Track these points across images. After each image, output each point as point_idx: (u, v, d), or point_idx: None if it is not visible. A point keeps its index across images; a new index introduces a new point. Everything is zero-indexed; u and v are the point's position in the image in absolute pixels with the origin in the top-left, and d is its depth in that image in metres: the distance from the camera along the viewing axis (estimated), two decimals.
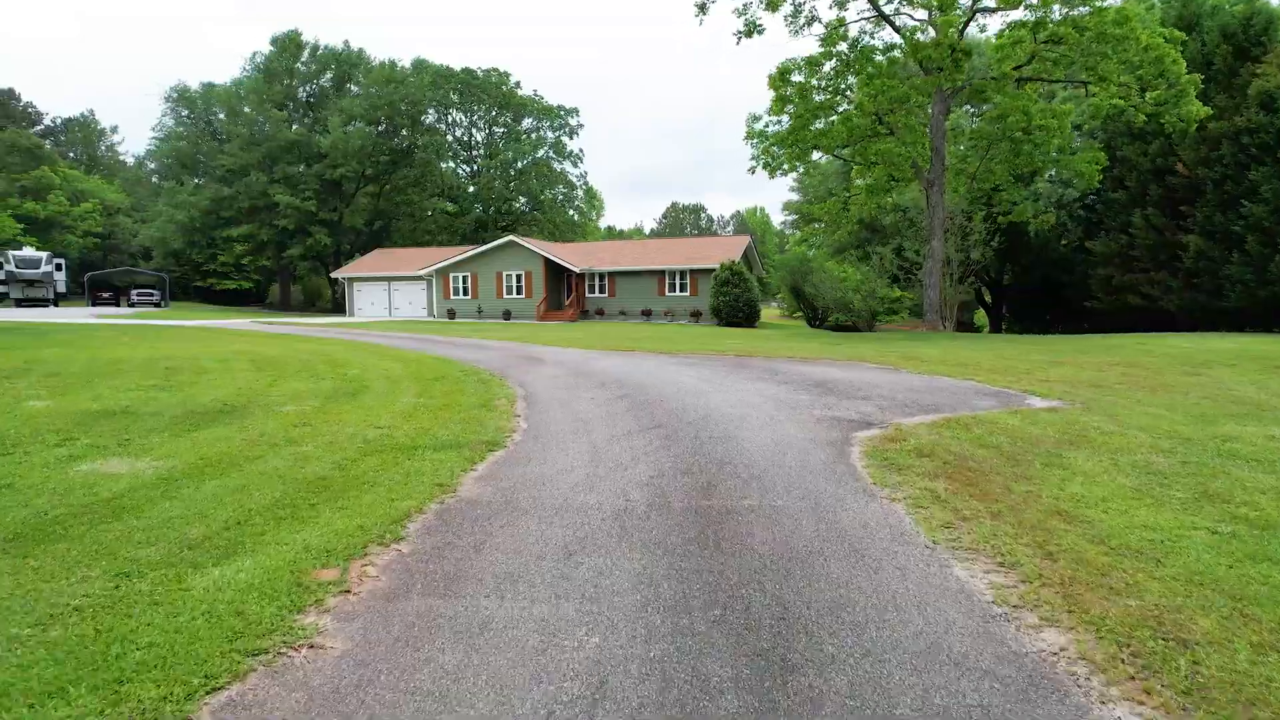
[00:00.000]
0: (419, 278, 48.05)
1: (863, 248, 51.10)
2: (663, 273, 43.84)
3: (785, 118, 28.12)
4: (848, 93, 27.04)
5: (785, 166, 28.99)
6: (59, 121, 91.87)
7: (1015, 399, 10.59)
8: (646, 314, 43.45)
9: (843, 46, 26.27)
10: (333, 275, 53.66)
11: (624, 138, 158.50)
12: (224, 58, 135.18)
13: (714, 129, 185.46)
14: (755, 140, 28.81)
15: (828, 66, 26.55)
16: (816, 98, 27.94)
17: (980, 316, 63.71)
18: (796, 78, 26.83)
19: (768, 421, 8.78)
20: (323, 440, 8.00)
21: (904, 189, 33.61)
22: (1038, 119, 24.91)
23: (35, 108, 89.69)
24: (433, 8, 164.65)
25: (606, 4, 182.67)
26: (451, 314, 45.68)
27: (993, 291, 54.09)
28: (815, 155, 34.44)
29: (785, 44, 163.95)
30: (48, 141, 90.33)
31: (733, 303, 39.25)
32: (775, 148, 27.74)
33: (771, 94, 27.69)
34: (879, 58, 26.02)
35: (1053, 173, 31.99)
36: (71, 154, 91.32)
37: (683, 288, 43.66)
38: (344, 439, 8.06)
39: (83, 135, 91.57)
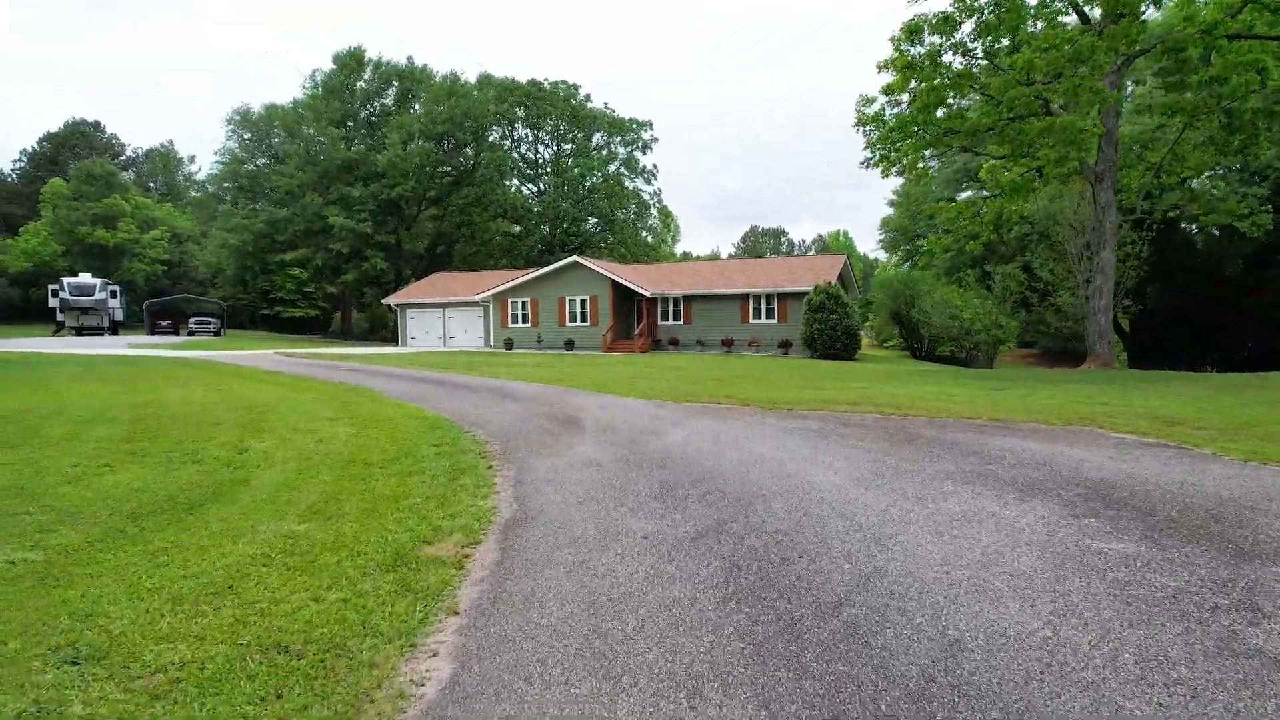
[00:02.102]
0: (475, 304, 43.57)
1: (979, 267, 44.14)
2: (746, 297, 38.02)
3: (905, 97, 22.11)
4: (993, 61, 20.67)
5: (906, 160, 22.87)
6: (140, 152, 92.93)
7: None
8: (727, 344, 37.64)
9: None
10: (384, 301, 49.79)
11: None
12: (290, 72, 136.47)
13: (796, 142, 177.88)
14: (869, 128, 22.73)
15: (966, 29, 20.39)
16: (938, 77, 21.66)
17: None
18: (917, 50, 20.79)
19: (1169, 706, 2.87)
20: None
21: (1039, 191, 26.65)
22: (1278, 77, 18.07)
23: (118, 139, 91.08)
24: (419, 7, 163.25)
25: (605, 4, 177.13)
26: (509, 344, 40.85)
27: (1132, 318, 45.97)
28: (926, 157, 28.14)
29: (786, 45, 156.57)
30: (130, 172, 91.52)
31: (829, 331, 33.19)
32: (895, 134, 21.58)
33: (893, 59, 21.63)
34: (1033, 14, 19.70)
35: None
36: (152, 184, 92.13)
37: (769, 314, 37.70)
38: None
39: (163, 165, 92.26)
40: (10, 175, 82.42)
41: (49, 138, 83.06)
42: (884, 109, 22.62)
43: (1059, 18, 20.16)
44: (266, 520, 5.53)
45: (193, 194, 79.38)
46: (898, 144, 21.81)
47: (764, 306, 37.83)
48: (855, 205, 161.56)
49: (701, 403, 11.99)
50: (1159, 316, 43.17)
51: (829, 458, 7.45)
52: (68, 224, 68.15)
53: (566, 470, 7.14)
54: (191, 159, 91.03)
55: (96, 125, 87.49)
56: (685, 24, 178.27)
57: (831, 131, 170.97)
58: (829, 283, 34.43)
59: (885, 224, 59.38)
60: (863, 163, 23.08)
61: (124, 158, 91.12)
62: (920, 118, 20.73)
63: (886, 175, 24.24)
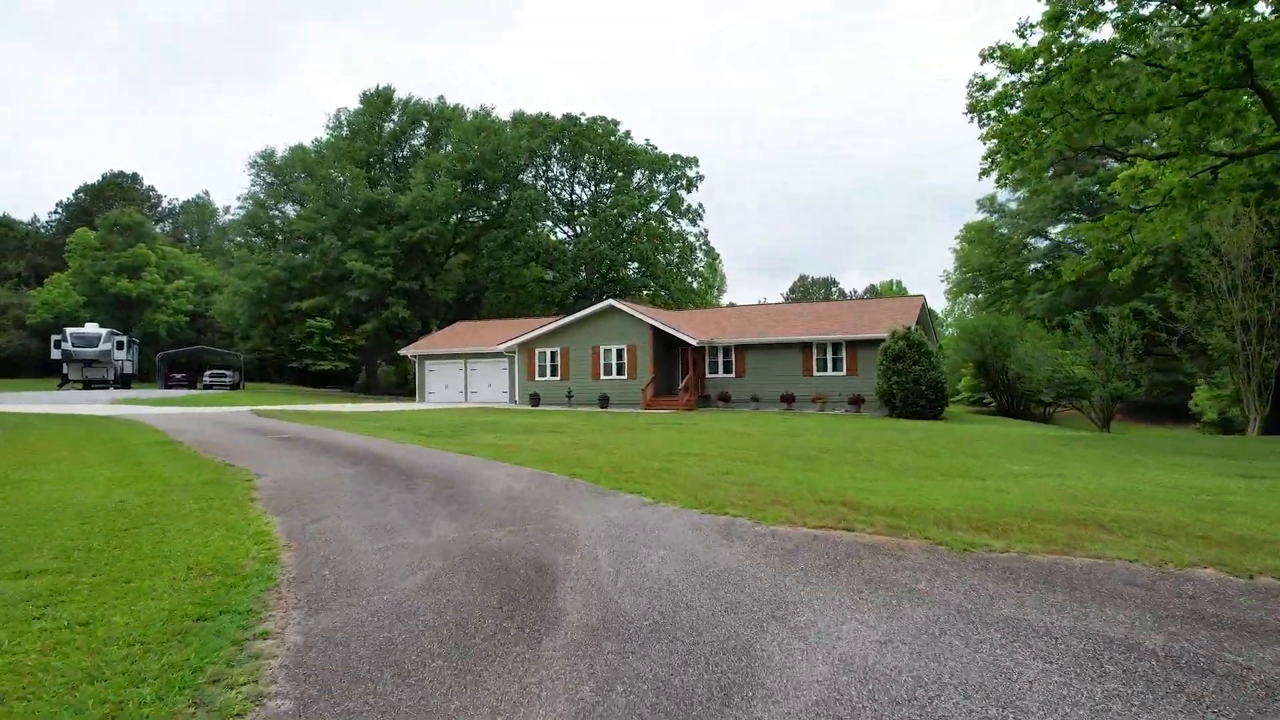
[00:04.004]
0: (499, 355, 38.48)
1: (1087, 309, 37.60)
2: (809, 345, 32.10)
3: (1017, 81, 16.50)
4: (1183, 6, 14.66)
5: (1033, 163, 17.00)
6: (176, 204, 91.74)
7: None
8: (787, 401, 31.68)
9: None
10: (400, 352, 45.05)
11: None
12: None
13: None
14: (986, 116, 17.05)
15: None
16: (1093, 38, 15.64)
17: (1200, 398, 43.25)
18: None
19: None
20: None
21: (1171, 214, 20.02)
22: None
23: (155, 191, 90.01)
24: (417, 7, 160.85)
25: (605, 4, 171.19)
26: (535, 399, 35.55)
27: None
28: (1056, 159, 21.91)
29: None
30: (166, 223, 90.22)
31: (911, 384, 27.23)
32: (1031, 119, 15.70)
33: (1000, 51, 16.19)
34: None
35: None
36: (187, 235, 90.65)
37: (837, 365, 31.68)
38: None
39: (198, 216, 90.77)
40: (45, 227, 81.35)
41: (85, 189, 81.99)
42: (1008, 91, 16.93)
43: None
44: None
45: (224, 244, 77.18)
46: (1033, 130, 15.99)
47: (830, 356, 31.88)
48: (891, 252, 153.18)
49: (804, 524, 6.23)
50: None
51: None
52: (91, 274, 65.80)
53: None
54: (226, 209, 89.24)
55: (134, 177, 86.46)
56: (685, 24, 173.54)
57: (836, 137, 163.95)
58: (908, 327, 28.57)
59: (964, 263, 52.90)
60: (981, 168, 17.33)
61: (160, 209, 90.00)
62: (1073, 92, 14.94)
63: (1004, 181, 18.55)
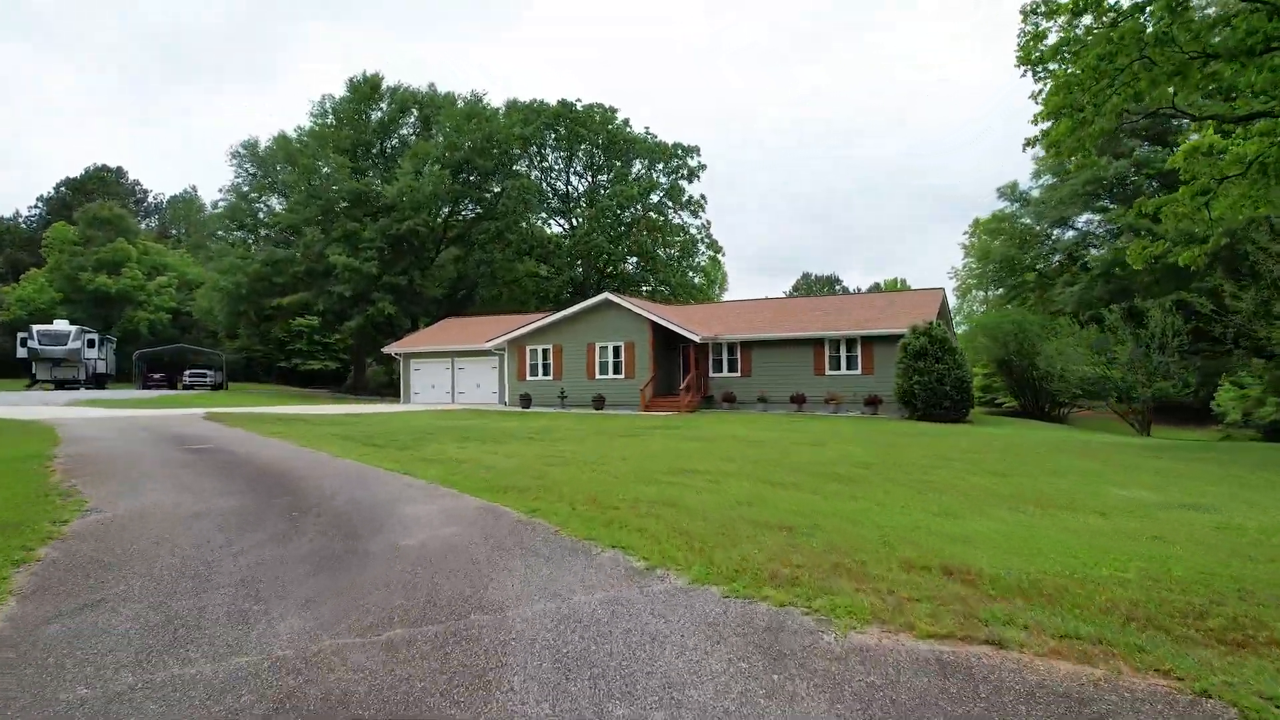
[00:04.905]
0: (489, 353, 35.80)
1: (1122, 302, 34.83)
2: (821, 342, 29.43)
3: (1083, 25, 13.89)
4: None
5: (1095, 123, 14.29)
6: (163, 199, 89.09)
7: None
8: (798, 401, 29.00)
9: None
10: (383, 350, 42.36)
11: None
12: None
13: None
14: (1043, 69, 14.28)
15: None
16: None
17: (1223, 398, 39.53)
18: None
19: None
20: None
21: (1253, 187, 17.26)
22: None
23: (141, 185, 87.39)
24: (418, 8, 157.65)
25: (605, 4, 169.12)
26: (526, 401, 32.87)
27: None
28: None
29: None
30: (153, 219, 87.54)
31: (934, 384, 24.78)
32: (1103, 67, 12.99)
33: None
34: None
35: None
36: (174, 230, 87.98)
37: (851, 363, 29.01)
38: None
39: (185, 211, 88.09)
40: (25, 222, 78.72)
41: (66, 183, 79.35)
42: (1069, 35, 14.23)
43: None
44: None
45: (207, 239, 74.61)
46: (1105, 79, 13.24)
47: (844, 354, 29.18)
48: (891, 252, 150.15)
49: (907, 625, 3.60)
50: None
51: None
52: (69, 270, 63.15)
53: None
54: (215, 205, 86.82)
55: (118, 171, 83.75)
56: (685, 24, 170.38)
57: (836, 137, 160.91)
58: (930, 322, 26.02)
59: (982, 256, 49.98)
60: (1043, 115, 14.60)
61: (146, 204, 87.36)
62: (1162, 28, 12.24)
63: (1055, 150, 15.94)
